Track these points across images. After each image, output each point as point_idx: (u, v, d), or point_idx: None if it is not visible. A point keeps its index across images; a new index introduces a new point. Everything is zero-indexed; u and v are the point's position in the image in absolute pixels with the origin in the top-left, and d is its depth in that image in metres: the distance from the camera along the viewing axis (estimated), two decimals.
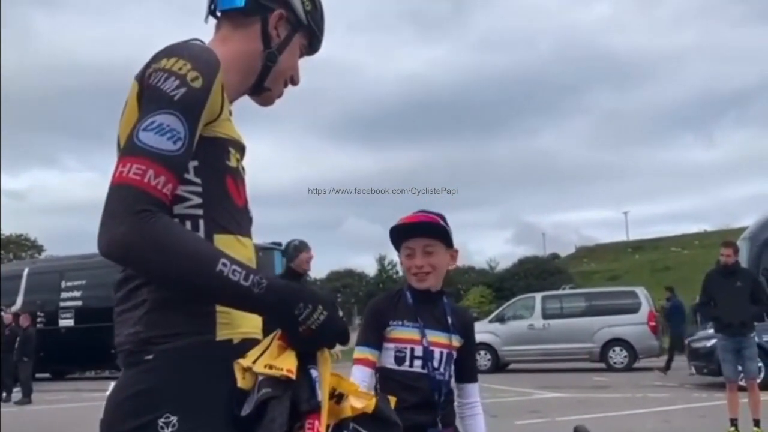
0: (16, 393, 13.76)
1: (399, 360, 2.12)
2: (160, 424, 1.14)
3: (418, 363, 2.11)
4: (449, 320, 2.18)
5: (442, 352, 2.14)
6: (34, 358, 14.39)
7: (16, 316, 15.12)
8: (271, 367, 1.17)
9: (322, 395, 1.19)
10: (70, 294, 21.85)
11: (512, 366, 17.54)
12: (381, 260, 71.14)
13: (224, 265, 1.12)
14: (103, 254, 1.13)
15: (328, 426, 1.26)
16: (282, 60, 1.42)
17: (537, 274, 55.33)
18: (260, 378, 1.18)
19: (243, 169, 1.35)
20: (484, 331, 15.43)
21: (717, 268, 7.23)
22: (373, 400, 1.33)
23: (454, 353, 2.17)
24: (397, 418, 1.36)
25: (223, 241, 1.25)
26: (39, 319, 20.30)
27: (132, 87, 1.26)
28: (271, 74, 1.42)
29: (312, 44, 1.49)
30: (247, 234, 1.33)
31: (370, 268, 69.88)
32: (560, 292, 19.56)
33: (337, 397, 1.32)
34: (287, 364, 1.18)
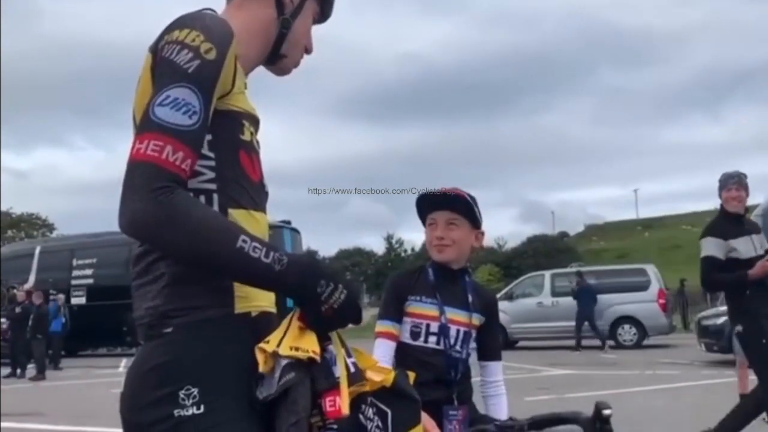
0: (30, 369, 13.93)
1: (414, 335, 2.11)
2: (181, 396, 1.13)
3: (432, 339, 2.10)
4: (470, 298, 2.16)
5: (459, 330, 2.12)
6: (47, 336, 14.53)
7: (29, 293, 15.24)
8: (297, 349, 1.16)
9: (340, 371, 1.18)
10: (81, 272, 22.04)
11: (521, 343, 17.59)
12: (389, 239, 71.41)
13: (244, 241, 1.11)
14: (123, 231, 1.12)
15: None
16: (296, 26, 1.40)
17: (545, 252, 55.38)
18: (283, 362, 1.16)
19: (257, 142, 1.33)
20: None
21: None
22: (392, 374, 1.32)
23: (473, 332, 2.15)
24: (416, 393, 1.35)
25: (238, 216, 1.23)
26: (51, 297, 20.51)
27: (146, 59, 1.24)
28: (286, 41, 1.40)
29: (324, 10, 1.47)
30: (262, 209, 1.31)
31: (379, 247, 69.96)
32: (569, 269, 19.51)
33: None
34: (312, 345, 1.17)
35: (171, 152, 1.11)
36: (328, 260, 66.10)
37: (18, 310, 14.75)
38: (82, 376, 14.21)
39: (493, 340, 2.24)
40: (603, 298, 16.77)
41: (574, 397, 8.52)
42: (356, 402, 1.27)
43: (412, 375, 1.45)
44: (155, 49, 1.22)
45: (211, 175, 1.22)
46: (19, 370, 14.10)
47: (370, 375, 1.30)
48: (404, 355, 2.09)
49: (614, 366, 12.73)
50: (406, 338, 2.11)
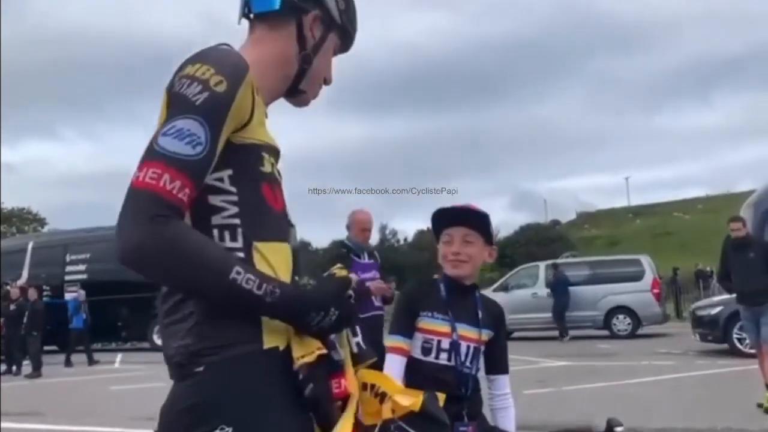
0: (26, 366, 13.90)
1: (426, 351, 2.13)
2: None
3: (444, 355, 2.13)
4: (480, 314, 2.18)
5: (469, 346, 2.14)
6: (42, 332, 14.49)
7: (23, 290, 15.17)
8: (303, 357, 1.20)
9: (343, 354, 1.25)
10: (75, 267, 21.95)
11: (516, 334, 17.69)
12: (382, 230, 71.48)
13: (238, 273, 1.13)
14: (119, 260, 1.13)
15: (374, 426, 1.28)
16: (317, 61, 1.41)
17: (538, 241, 55.52)
18: (300, 374, 1.19)
19: (279, 173, 1.33)
20: None
21: (730, 243, 7.35)
22: (420, 398, 1.35)
23: (482, 347, 2.17)
24: (445, 416, 1.37)
25: (262, 249, 1.25)
26: (45, 293, 20.42)
27: (164, 97, 1.25)
28: (307, 76, 1.41)
29: (345, 42, 1.47)
30: (285, 239, 1.32)
31: (372, 238, 69.68)
32: (564, 260, 19.60)
33: (380, 396, 1.34)
34: (314, 345, 1.22)
35: (168, 180, 1.12)
36: (321, 251, 66.17)
37: (12, 307, 14.68)
38: (78, 372, 14.21)
39: (501, 355, 2.26)
40: (597, 289, 16.90)
41: (571, 390, 8.60)
42: (383, 429, 1.29)
43: (442, 397, 1.48)
44: (170, 88, 1.23)
45: (234, 210, 1.23)
46: (14, 367, 14.07)
47: (398, 399, 1.33)
48: (415, 371, 2.10)
49: (609, 357, 12.83)
50: (417, 354, 2.13)
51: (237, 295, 1.13)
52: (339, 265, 1.77)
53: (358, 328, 1.30)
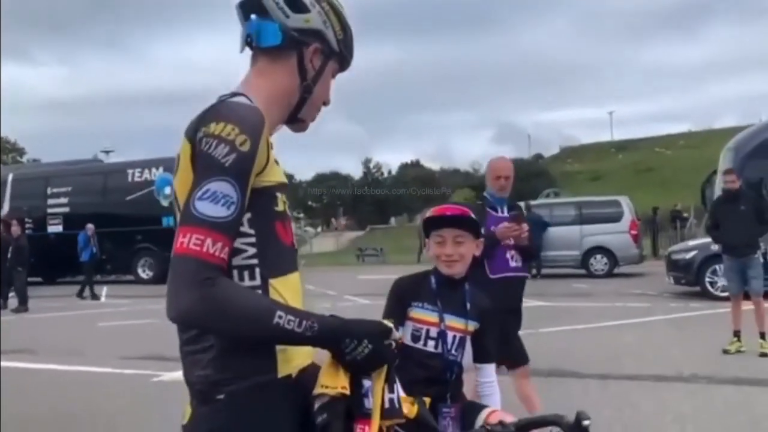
0: (12, 300, 14.04)
1: (415, 338, 2.27)
2: None
3: (431, 343, 2.27)
4: (467, 306, 2.31)
5: (455, 336, 2.28)
6: (28, 267, 14.56)
7: (6, 224, 15.12)
8: (327, 387, 1.32)
9: (374, 403, 1.33)
10: (56, 200, 21.89)
11: None
12: (366, 163, 71.40)
13: (280, 317, 1.25)
14: (172, 321, 1.25)
15: (381, 429, 1.41)
16: (317, 89, 1.48)
17: (521, 176, 55.72)
18: (317, 402, 1.31)
19: (288, 207, 1.44)
20: None
21: (722, 194, 7.57)
22: (416, 407, 1.48)
23: (468, 337, 2.31)
24: (434, 421, 1.50)
25: (276, 284, 1.36)
26: (27, 225, 20.41)
27: (183, 145, 1.32)
28: (307, 105, 1.48)
29: (343, 66, 1.55)
30: (295, 267, 1.43)
31: (356, 170, 69.70)
32: (545, 201, 19.84)
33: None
34: (341, 381, 1.32)
35: (211, 244, 1.23)
36: (305, 184, 65.89)
37: None
38: (66, 307, 14.37)
39: (488, 345, 2.40)
40: (577, 229, 17.22)
41: (548, 332, 8.91)
42: None
43: (427, 401, 1.61)
44: (192, 138, 1.30)
45: (252, 251, 1.34)
46: (1, 301, 14.20)
47: None
48: (404, 356, 2.22)
49: (586, 297, 13.22)
50: (407, 340, 2.27)
51: (281, 336, 1.27)
52: (391, 320, 1.91)
53: (396, 385, 1.38)
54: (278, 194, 1.38)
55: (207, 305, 1.21)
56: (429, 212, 2.37)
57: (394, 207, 62.86)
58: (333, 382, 1.31)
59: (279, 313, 1.25)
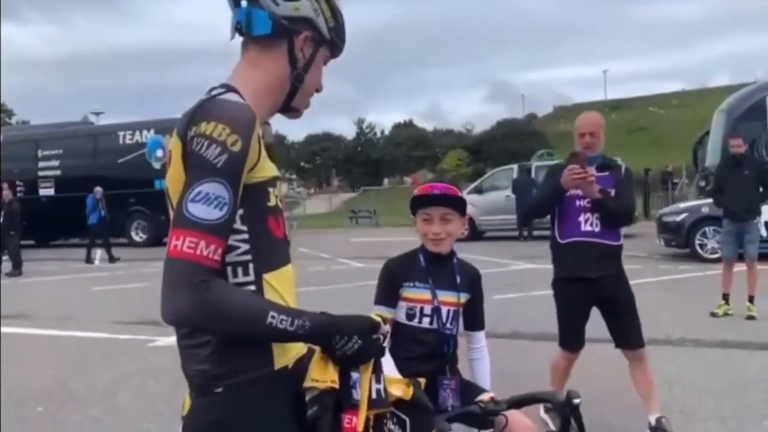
0: (6, 264, 14.04)
1: (410, 317, 2.32)
2: None
3: (426, 320, 2.31)
4: (458, 279, 2.34)
5: (449, 310, 2.33)
6: (20, 231, 14.54)
7: None
8: (316, 381, 1.36)
9: (361, 395, 1.38)
10: (47, 163, 21.77)
11: (488, 234, 18.20)
12: (359, 123, 70.92)
13: (273, 317, 1.28)
14: (168, 323, 1.27)
15: (368, 418, 1.45)
16: (308, 78, 1.47)
17: (514, 136, 55.85)
18: (307, 395, 1.35)
19: (280, 200, 1.44)
20: None
21: (727, 159, 7.61)
22: (411, 389, 1.52)
23: (461, 309, 2.35)
24: (429, 402, 1.55)
25: (270, 279, 1.38)
26: (19, 189, 20.33)
27: (174, 142, 1.33)
28: (299, 94, 1.48)
29: (335, 53, 1.53)
30: (288, 260, 1.45)
31: (348, 131, 69.26)
32: (538, 162, 19.82)
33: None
34: (331, 375, 1.36)
35: (204, 247, 1.24)
36: (297, 145, 65.46)
37: None
38: (59, 270, 14.43)
39: (478, 313, 2.45)
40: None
41: (540, 295, 9.02)
42: (378, 415, 1.47)
43: (422, 381, 1.65)
44: (184, 137, 1.30)
45: (245, 247, 1.35)
46: None
47: (394, 392, 1.51)
48: (400, 334, 2.28)
49: None
50: (402, 319, 2.31)
51: (275, 334, 1.30)
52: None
53: (383, 376, 1.41)
54: (270, 189, 1.39)
55: (202, 308, 1.23)
56: (416, 190, 2.38)
57: (388, 168, 62.75)
58: (323, 376, 1.36)
59: (272, 313, 1.27)
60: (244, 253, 1.35)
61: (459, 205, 2.30)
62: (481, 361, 2.42)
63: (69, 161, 21.37)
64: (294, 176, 70.58)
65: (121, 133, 20.96)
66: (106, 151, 20.87)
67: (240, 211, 1.32)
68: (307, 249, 16.75)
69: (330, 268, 12.94)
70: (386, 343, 1.41)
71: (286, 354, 1.39)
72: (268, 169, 1.38)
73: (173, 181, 1.32)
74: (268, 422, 1.35)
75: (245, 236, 1.35)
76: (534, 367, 5.51)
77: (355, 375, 1.37)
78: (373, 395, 1.39)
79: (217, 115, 1.28)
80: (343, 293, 9.82)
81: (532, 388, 5.62)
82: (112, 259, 15.86)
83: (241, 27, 1.43)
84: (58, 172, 21.55)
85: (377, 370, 1.40)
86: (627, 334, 3.75)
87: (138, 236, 20.70)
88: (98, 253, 17.97)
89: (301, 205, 36.02)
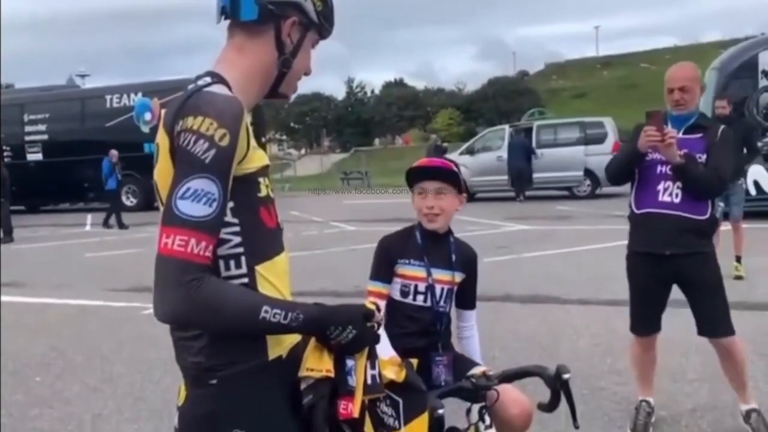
0: None
1: (404, 294, 2.33)
2: None
3: (420, 297, 2.32)
4: (453, 258, 2.35)
5: (443, 288, 2.34)
6: (9, 198, 14.43)
7: None
8: (312, 370, 1.37)
9: (356, 381, 1.40)
10: (34, 128, 21.52)
11: (480, 195, 18.26)
12: (349, 83, 70.17)
13: (266, 311, 1.28)
14: (161, 321, 1.28)
15: (363, 403, 1.48)
16: (296, 63, 1.45)
17: (505, 95, 55.52)
18: (303, 384, 1.37)
19: (272, 189, 1.43)
20: None
21: (713, 120, 7.56)
22: (404, 372, 1.55)
23: (455, 288, 2.37)
24: (422, 383, 1.58)
25: (262, 270, 1.37)
26: (6, 154, 20.13)
27: (161, 135, 1.31)
28: (286, 79, 1.46)
29: (323, 35, 1.51)
30: (281, 248, 1.44)
31: (338, 91, 68.54)
32: (530, 123, 19.76)
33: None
34: (326, 364, 1.38)
35: (195, 245, 1.23)
36: (286, 105, 64.85)
37: None
38: (51, 236, 14.39)
39: (471, 293, 2.47)
40: (561, 151, 17.29)
41: (531, 257, 9.10)
42: (374, 397, 1.50)
43: (414, 362, 1.68)
44: (171, 131, 1.28)
45: (237, 240, 1.34)
46: None
47: (386, 374, 1.53)
48: (395, 310, 2.30)
49: (569, 219, 13.42)
50: (396, 296, 2.33)
51: (268, 328, 1.31)
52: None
53: (377, 361, 1.43)
54: (260, 179, 1.37)
55: (194, 306, 1.23)
56: (413, 164, 2.37)
57: (379, 128, 62.41)
58: (318, 365, 1.37)
59: (265, 307, 1.28)
60: (236, 245, 1.34)
61: (454, 180, 2.29)
62: (471, 339, 2.45)
63: (56, 125, 21.13)
64: (284, 137, 70.12)
65: (108, 97, 20.70)
66: (93, 115, 20.62)
67: (230, 204, 1.31)
68: (299, 212, 16.75)
69: (323, 232, 12.97)
70: (381, 331, 1.42)
71: (281, 344, 1.40)
72: (257, 159, 1.37)
73: (162, 175, 1.31)
74: (264, 412, 1.36)
75: (237, 229, 1.33)
76: (525, 330, 5.61)
77: (350, 362, 1.38)
78: (368, 381, 1.41)
79: (204, 109, 1.26)
80: (337, 257, 9.88)
81: (524, 350, 5.70)
82: (121, 226, 15.48)
83: (227, 12, 1.41)
84: (45, 137, 21.34)
85: (372, 357, 1.42)
86: (710, 321, 3.30)
87: (129, 201, 20.58)
88: (89, 218, 17.92)
89: (292, 167, 35.85)
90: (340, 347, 1.37)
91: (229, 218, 1.32)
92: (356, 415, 1.38)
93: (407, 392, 1.55)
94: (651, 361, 3.60)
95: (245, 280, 1.35)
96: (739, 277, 7.10)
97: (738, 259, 7.26)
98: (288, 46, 1.42)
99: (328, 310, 1.37)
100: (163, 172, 1.31)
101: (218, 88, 1.32)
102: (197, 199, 1.24)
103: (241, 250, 1.34)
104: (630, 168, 3.32)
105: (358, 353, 1.40)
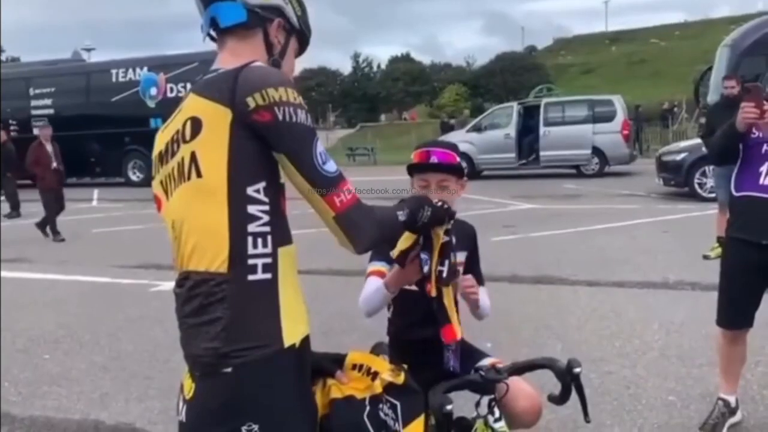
0: (4, 205, 14.01)
1: None
2: (244, 431, 1.32)
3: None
4: (453, 240, 2.29)
5: None
6: (15, 171, 14.43)
7: None
8: (389, 371, 1.59)
9: (431, 266, 1.69)
10: (40, 102, 21.49)
11: (487, 173, 18.18)
12: (355, 57, 69.62)
13: (399, 215, 1.52)
14: (367, 251, 1.51)
15: (364, 399, 1.50)
16: (284, 65, 1.53)
17: (513, 70, 55.01)
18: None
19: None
20: (461, 140, 15.72)
21: (721, 100, 7.48)
22: (403, 375, 1.56)
23: (460, 269, 2.32)
24: (418, 386, 1.59)
25: (283, 253, 1.39)
26: (12, 128, 20.11)
27: (216, 110, 1.33)
28: None
29: (302, 46, 1.60)
30: (292, 239, 1.46)
31: (344, 66, 68.02)
32: (537, 101, 19.56)
33: (372, 375, 1.59)
34: (385, 366, 1.61)
35: (353, 188, 1.43)
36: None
37: None
38: None
39: (477, 269, 2.41)
40: (569, 129, 17.15)
41: (537, 237, 9.06)
42: (374, 400, 1.56)
43: (408, 369, 1.71)
44: (235, 104, 1.32)
45: (266, 218, 1.37)
46: None
47: (386, 377, 1.55)
48: (400, 299, 2.25)
49: (576, 199, 13.34)
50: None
51: (403, 228, 1.56)
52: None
53: (447, 260, 1.70)
54: (279, 167, 1.40)
55: (380, 228, 1.45)
56: (414, 153, 2.31)
57: (385, 103, 62.02)
58: (379, 366, 1.61)
59: (398, 212, 1.51)
60: (264, 224, 1.37)
61: (456, 171, 2.25)
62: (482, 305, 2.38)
63: (62, 100, 21.08)
64: None
65: (114, 71, 20.60)
66: (99, 89, 20.56)
67: (263, 183, 1.36)
68: None
69: None
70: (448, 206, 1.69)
71: (296, 328, 1.40)
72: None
73: (212, 148, 1.34)
74: (280, 401, 1.35)
75: (266, 207, 1.37)
76: (532, 311, 5.59)
77: (424, 256, 1.69)
78: (443, 274, 1.69)
79: (276, 80, 1.34)
80: None
81: (531, 332, 5.65)
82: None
83: (218, 23, 1.46)
84: (51, 111, 21.27)
85: (444, 254, 1.68)
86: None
87: (135, 176, 20.61)
88: (95, 192, 17.94)
89: None
90: (424, 225, 1.59)
91: (261, 196, 1.36)
92: (434, 293, 1.71)
93: (405, 395, 1.57)
94: (737, 356, 3.29)
95: (269, 260, 1.37)
96: None
97: None
98: (276, 47, 1.51)
99: (408, 201, 1.58)
100: (209, 144, 1.34)
101: (260, 63, 1.40)
102: (328, 157, 1.40)
103: (267, 229, 1.37)
104: (729, 149, 3.06)
105: (434, 247, 1.66)
